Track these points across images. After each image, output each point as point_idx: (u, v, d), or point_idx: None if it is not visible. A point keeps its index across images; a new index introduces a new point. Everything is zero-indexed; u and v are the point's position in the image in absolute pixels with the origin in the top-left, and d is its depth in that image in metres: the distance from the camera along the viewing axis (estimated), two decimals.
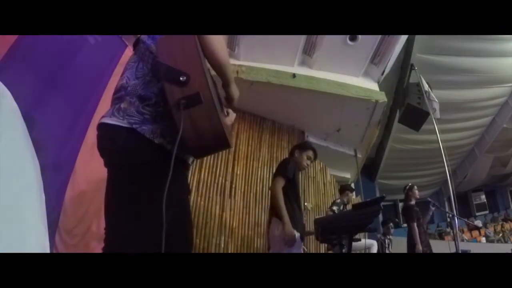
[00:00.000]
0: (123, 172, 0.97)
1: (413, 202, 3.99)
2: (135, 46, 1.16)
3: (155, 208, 0.85)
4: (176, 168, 0.89)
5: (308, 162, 2.51)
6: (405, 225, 4.30)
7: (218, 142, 0.96)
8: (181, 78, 0.87)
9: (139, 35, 1.15)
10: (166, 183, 0.85)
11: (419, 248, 3.56)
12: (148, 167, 0.93)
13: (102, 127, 1.00)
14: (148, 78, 1.00)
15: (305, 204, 4.14)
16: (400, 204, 10.34)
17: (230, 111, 1.21)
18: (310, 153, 2.52)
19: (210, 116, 0.89)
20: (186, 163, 1.08)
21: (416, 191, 4.06)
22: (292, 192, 2.28)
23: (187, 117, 0.87)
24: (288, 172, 2.29)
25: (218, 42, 1.02)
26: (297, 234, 2.21)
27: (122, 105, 0.98)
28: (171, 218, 0.88)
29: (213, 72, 1.10)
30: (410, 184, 4.18)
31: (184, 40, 0.94)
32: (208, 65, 1.06)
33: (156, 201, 0.85)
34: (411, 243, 3.74)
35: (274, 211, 2.33)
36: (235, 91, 1.16)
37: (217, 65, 1.05)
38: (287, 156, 2.64)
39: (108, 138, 0.98)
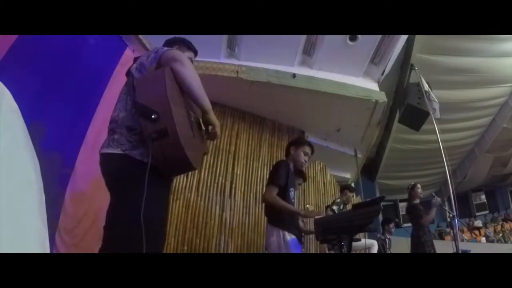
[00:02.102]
0: (122, 187, 1.18)
1: (417, 201, 3.98)
2: (127, 75, 1.34)
3: (148, 214, 1.07)
4: (164, 180, 1.23)
5: (306, 158, 2.40)
6: (405, 225, 4.30)
7: (183, 165, 1.21)
8: (152, 116, 1.11)
9: (129, 67, 1.34)
10: (162, 193, 1.18)
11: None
12: (141, 181, 1.10)
13: (102, 156, 1.23)
14: (134, 111, 1.21)
15: (307, 206, 4.15)
16: (401, 204, 10.33)
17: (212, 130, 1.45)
18: (307, 148, 2.41)
19: (175, 146, 1.13)
20: (170, 177, 1.36)
21: (419, 190, 4.04)
22: (285, 197, 2.21)
23: (158, 146, 1.12)
24: (279, 180, 2.20)
25: (189, 74, 1.24)
26: (294, 237, 2.20)
27: (115, 136, 1.22)
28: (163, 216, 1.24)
29: None
30: (413, 183, 4.16)
31: (156, 80, 1.19)
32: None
33: (149, 208, 1.08)
34: (416, 242, 3.74)
35: (270, 219, 2.31)
36: (213, 118, 1.36)
37: (192, 98, 1.29)
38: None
39: (107, 164, 1.22)
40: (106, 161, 1.23)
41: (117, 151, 1.19)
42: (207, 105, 1.32)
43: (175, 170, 1.31)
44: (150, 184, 1.09)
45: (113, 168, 1.20)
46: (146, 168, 1.10)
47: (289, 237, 2.16)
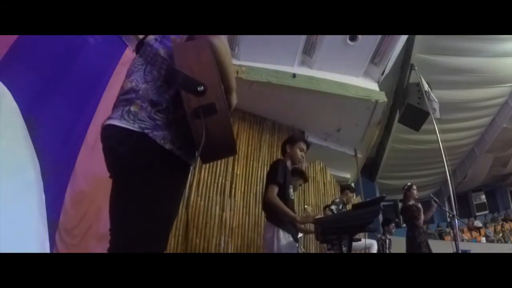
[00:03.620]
0: (132, 174, 0.96)
1: (411, 202, 3.98)
2: (138, 47, 1.16)
3: (162, 210, 0.96)
4: (184, 172, 1.02)
5: (302, 154, 2.44)
6: (405, 225, 4.30)
7: (228, 149, 1.03)
8: (198, 88, 0.91)
9: (142, 37, 1.17)
10: (179, 188, 0.98)
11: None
12: (158, 171, 0.96)
13: (110, 128, 0.99)
14: (159, 83, 1.01)
15: (305, 206, 4.15)
16: (401, 204, 10.33)
17: None
18: (301, 144, 2.45)
19: (224, 125, 0.95)
20: (190, 168, 1.10)
21: (415, 191, 4.05)
22: (282, 196, 2.23)
23: (202, 124, 0.92)
24: (278, 178, 2.23)
25: (226, 51, 1.07)
26: (290, 237, 2.21)
27: (132, 109, 0.98)
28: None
29: None
30: (408, 184, 4.17)
31: (200, 49, 1.00)
32: None
33: (164, 203, 0.96)
34: (412, 243, 3.74)
35: (268, 216, 2.34)
36: (235, 99, 1.21)
37: (223, 73, 1.08)
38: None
39: (117, 140, 0.97)
40: (116, 136, 0.97)
41: (134, 127, 0.95)
42: (234, 84, 1.18)
43: (217, 154, 1.08)
44: (170, 176, 0.96)
45: (125, 149, 0.95)
46: (166, 157, 0.95)
47: (284, 236, 2.19)
